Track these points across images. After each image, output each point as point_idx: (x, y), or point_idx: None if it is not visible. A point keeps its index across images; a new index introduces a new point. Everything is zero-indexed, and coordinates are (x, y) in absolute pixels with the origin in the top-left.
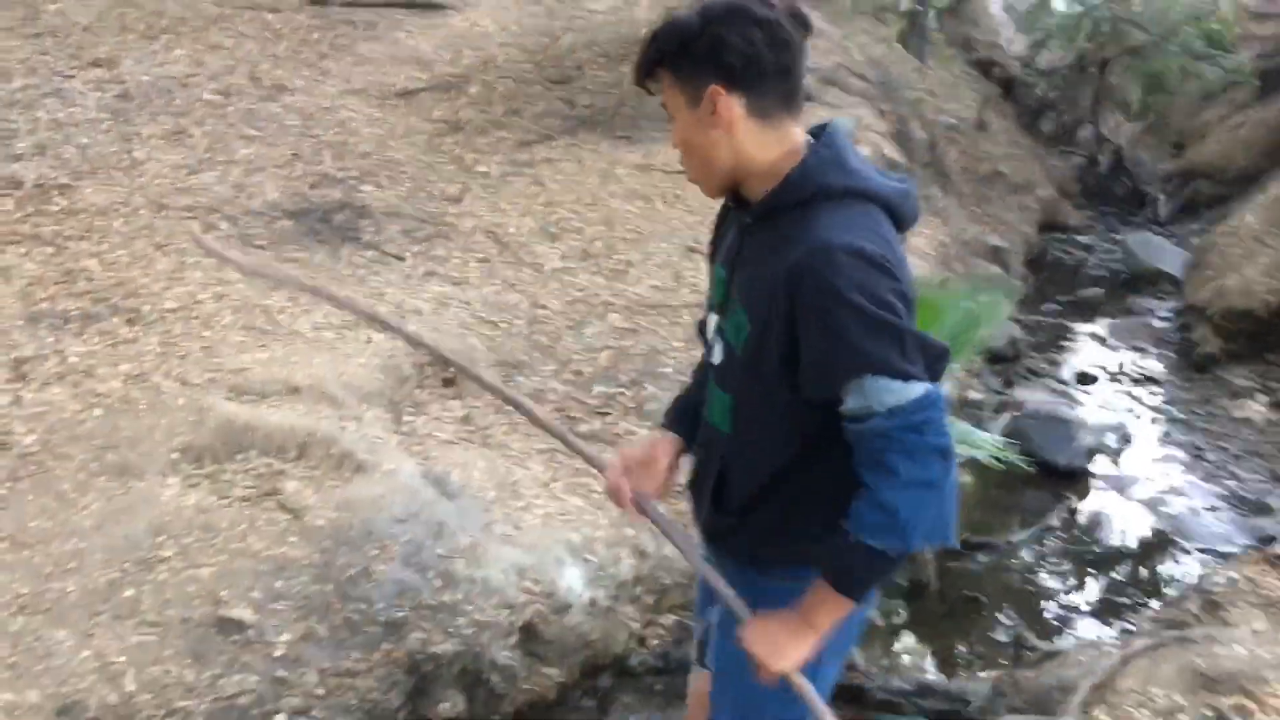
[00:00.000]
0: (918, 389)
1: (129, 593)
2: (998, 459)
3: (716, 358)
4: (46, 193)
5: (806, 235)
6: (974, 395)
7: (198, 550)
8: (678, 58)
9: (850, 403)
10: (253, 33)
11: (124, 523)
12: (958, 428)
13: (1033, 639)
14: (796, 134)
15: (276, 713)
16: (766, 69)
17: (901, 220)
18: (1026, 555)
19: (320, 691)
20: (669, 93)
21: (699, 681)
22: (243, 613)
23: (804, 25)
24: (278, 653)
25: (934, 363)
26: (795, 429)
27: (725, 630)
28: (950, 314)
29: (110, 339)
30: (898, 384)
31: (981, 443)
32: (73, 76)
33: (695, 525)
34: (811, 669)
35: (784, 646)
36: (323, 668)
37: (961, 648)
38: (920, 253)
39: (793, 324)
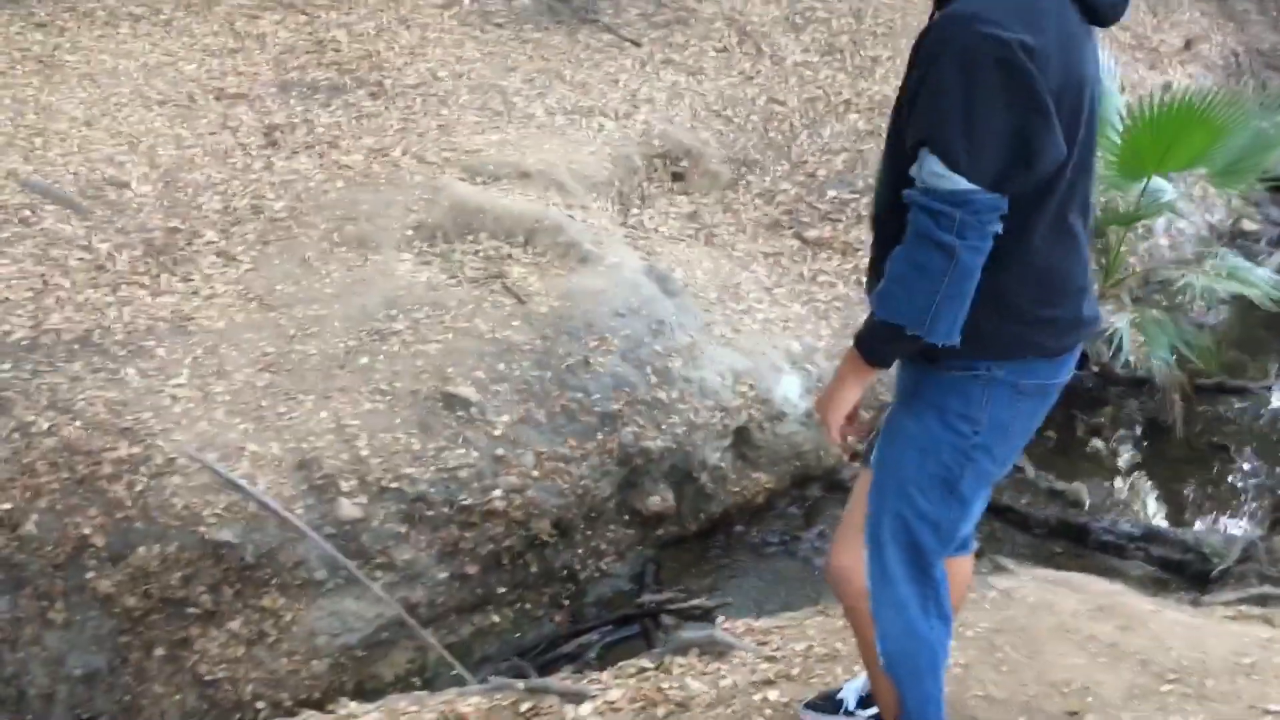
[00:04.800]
0: (959, 183)
1: (363, 361)
2: (1275, 300)
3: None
4: None
5: (944, 12)
6: (1249, 226)
7: (427, 326)
8: None
9: (912, 169)
10: None
11: (361, 293)
12: (1229, 261)
13: None
14: None
15: (494, 488)
16: None
17: (1095, 8)
18: None
19: (536, 473)
20: None
21: (861, 479)
22: (467, 390)
23: None
24: (497, 432)
25: (1010, 169)
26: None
27: (888, 435)
28: (1238, 133)
29: (355, 111)
30: (942, 169)
31: (1257, 280)
32: None
33: None
34: (941, 495)
35: (821, 398)
36: (539, 450)
37: (1203, 498)
38: (1207, 61)
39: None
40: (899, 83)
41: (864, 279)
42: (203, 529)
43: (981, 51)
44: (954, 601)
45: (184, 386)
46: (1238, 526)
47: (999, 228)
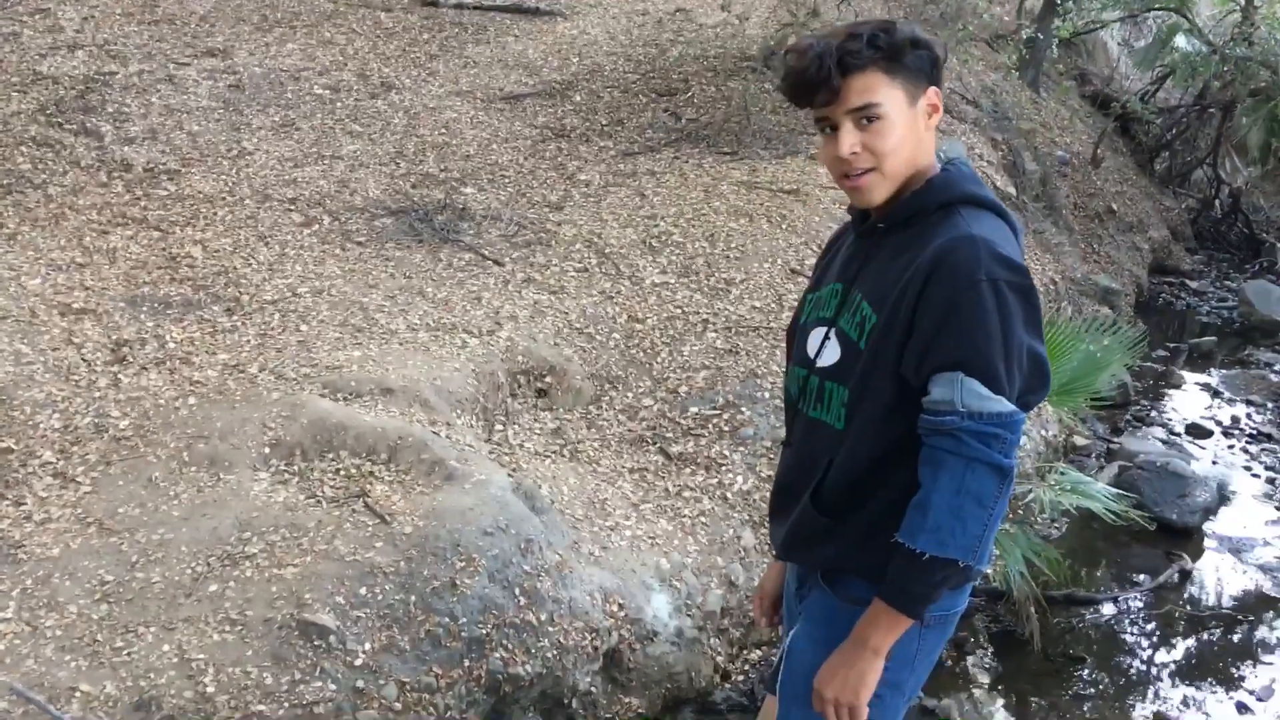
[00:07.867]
0: (1004, 405)
1: (213, 588)
2: (1114, 513)
3: (828, 359)
4: (155, 177)
5: (952, 230)
6: (1080, 441)
7: (283, 549)
8: (900, 58)
9: (935, 392)
10: (364, 30)
11: (212, 515)
12: (1070, 476)
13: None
14: None
15: None
16: (939, 80)
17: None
18: (1135, 615)
19: (398, 706)
20: (884, 90)
21: (768, 707)
22: (325, 618)
23: None
24: (358, 662)
25: (1029, 392)
26: (896, 425)
27: (792, 665)
28: (1071, 355)
29: (209, 327)
30: (988, 392)
31: (1097, 494)
32: (187, 65)
33: (774, 539)
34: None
35: (841, 676)
36: (402, 681)
37: (1066, 710)
38: None
39: (917, 308)
40: (754, 303)
41: (728, 495)
42: None
43: (1008, 278)
44: None
45: (9, 620)
46: None
47: None
